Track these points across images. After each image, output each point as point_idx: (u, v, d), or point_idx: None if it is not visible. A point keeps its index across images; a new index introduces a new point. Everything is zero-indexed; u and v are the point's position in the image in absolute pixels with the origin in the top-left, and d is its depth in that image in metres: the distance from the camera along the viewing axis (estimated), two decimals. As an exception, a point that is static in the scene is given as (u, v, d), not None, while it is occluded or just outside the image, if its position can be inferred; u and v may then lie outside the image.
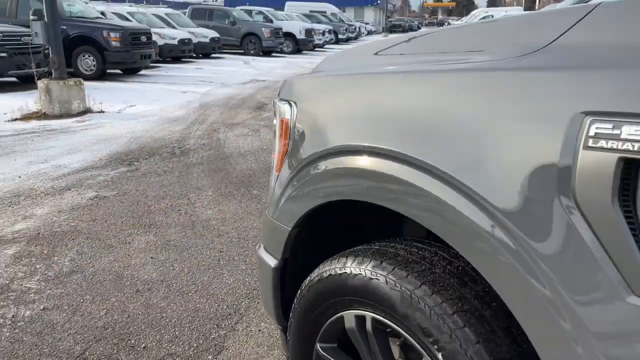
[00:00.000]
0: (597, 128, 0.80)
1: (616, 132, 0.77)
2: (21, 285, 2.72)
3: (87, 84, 9.13)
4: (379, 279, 1.17)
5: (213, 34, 18.51)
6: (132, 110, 8.18)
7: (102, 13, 14.19)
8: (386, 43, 1.57)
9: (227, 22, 20.68)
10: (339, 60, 1.73)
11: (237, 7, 23.57)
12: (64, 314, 2.45)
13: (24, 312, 2.46)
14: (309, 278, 1.40)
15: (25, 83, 9.85)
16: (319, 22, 29.94)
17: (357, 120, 1.22)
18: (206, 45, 18.01)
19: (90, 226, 3.50)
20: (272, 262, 1.55)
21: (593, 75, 0.85)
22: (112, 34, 11.62)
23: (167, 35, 15.93)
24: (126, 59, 11.84)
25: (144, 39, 12.50)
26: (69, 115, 7.56)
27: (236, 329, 2.35)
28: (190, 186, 4.39)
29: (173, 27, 17.30)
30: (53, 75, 7.69)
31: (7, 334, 2.29)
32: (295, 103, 1.45)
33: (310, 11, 33.38)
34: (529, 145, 0.88)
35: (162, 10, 18.84)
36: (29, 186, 4.34)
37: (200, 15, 21.04)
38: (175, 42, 16.01)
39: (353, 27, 35.60)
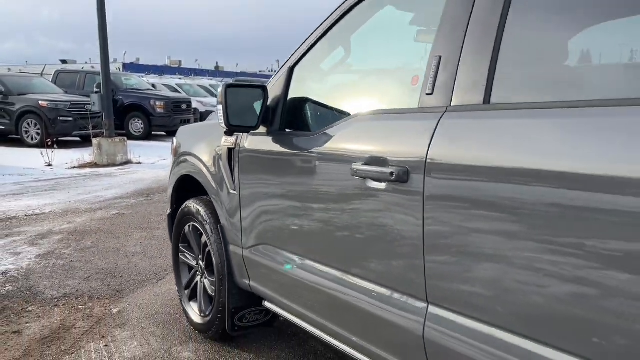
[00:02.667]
0: (229, 139, 2.56)
1: (225, 139, 2.55)
2: (60, 251, 4.57)
3: (134, 143, 11.41)
4: (192, 206, 2.93)
5: (250, 102, 20.96)
6: (163, 162, 10.28)
7: (153, 85, 16.87)
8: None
9: (264, 92, 23.20)
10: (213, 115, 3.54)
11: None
12: (81, 264, 4.27)
13: (60, 262, 4.30)
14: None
15: (85, 141, 12.24)
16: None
17: (189, 143, 3.03)
18: (243, 112, 20.44)
19: (109, 227, 5.37)
20: (168, 210, 3.33)
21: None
22: (157, 103, 14.07)
23: (208, 103, 18.46)
24: (168, 123, 14.21)
25: (184, 106, 14.92)
26: (113, 164, 9.72)
27: (174, 272, 4.08)
28: (184, 209, 6.24)
29: (216, 96, 19.89)
30: (104, 134, 9.94)
31: (49, 269, 4.12)
32: (176, 138, 3.27)
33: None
34: (222, 142, 2.65)
35: (207, 82, 21.61)
36: (75, 207, 6.32)
37: (242, 86, 23.69)
38: (214, 109, 18.49)
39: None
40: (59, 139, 11.73)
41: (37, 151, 10.41)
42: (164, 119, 14.15)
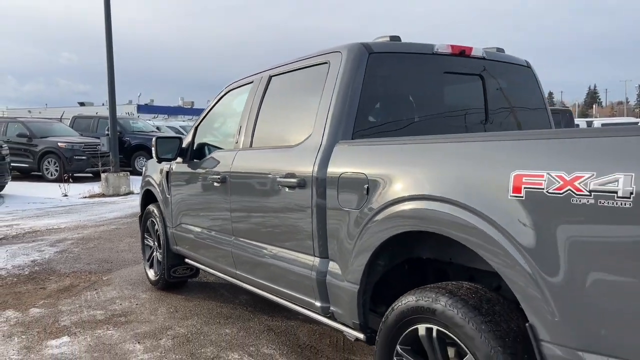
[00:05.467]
0: (166, 166, 4.48)
1: (164, 166, 4.47)
2: (72, 249, 6.48)
3: (138, 177, 13.35)
4: (150, 208, 4.84)
5: (247, 141, 23.05)
6: (160, 193, 12.27)
7: (158, 127, 19.04)
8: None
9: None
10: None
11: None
12: (85, 256, 6.16)
13: (71, 255, 6.20)
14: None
15: (96, 176, 14.29)
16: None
17: (150, 170, 4.94)
18: (240, 150, 22.52)
19: (107, 236, 7.29)
20: (139, 213, 5.23)
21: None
22: (159, 143, 16.12)
23: (207, 142, 20.55)
24: (168, 160, 16.26)
25: (183, 146, 17.00)
26: (117, 194, 11.71)
27: (148, 260, 5.96)
28: (166, 225, 8.17)
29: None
30: (111, 170, 11.97)
31: (63, 259, 6.02)
32: (144, 167, 5.19)
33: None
34: (163, 168, 4.57)
35: (208, 124, 23.79)
36: (84, 224, 8.27)
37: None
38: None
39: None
40: (74, 174, 13.79)
41: (55, 185, 12.45)
42: (165, 157, 16.20)
